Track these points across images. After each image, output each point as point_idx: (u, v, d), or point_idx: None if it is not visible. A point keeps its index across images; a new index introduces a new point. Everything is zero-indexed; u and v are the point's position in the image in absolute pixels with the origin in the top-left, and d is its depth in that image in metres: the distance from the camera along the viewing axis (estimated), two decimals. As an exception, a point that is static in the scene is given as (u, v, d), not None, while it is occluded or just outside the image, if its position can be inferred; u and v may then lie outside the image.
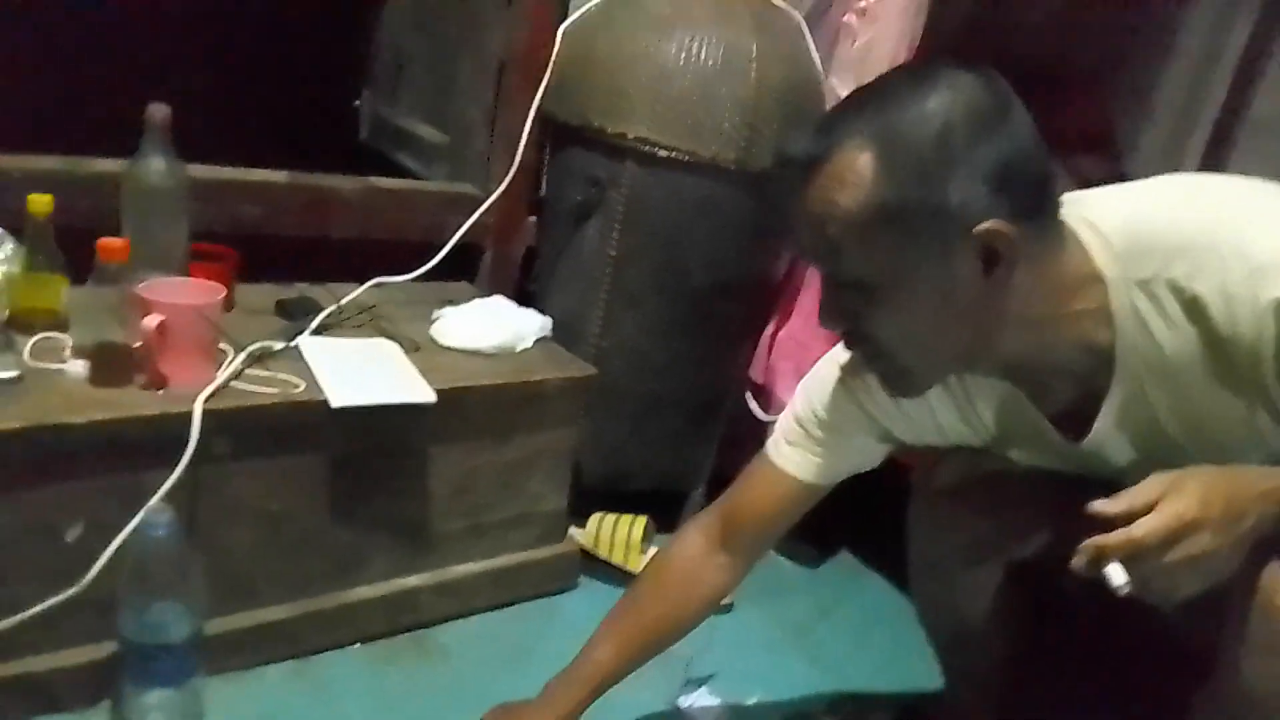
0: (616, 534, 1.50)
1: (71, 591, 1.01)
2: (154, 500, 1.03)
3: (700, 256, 1.44)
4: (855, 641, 1.52)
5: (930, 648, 1.22)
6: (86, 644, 1.08)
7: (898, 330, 0.81)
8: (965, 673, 1.18)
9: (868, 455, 1.04)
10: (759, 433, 1.63)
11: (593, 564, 1.51)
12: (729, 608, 1.51)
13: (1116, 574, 0.71)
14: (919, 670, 1.41)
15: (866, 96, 0.81)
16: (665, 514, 1.69)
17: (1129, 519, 0.72)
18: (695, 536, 1.08)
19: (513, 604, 1.43)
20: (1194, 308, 0.76)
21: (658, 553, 1.14)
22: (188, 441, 1.04)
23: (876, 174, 0.76)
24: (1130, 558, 0.71)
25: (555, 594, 1.47)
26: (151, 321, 1.04)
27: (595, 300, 1.47)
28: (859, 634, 1.54)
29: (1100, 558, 0.72)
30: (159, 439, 1.04)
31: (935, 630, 1.18)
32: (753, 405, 1.62)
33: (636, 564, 1.49)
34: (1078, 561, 0.73)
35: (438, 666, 1.29)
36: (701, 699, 1.30)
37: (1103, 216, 0.81)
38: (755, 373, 1.62)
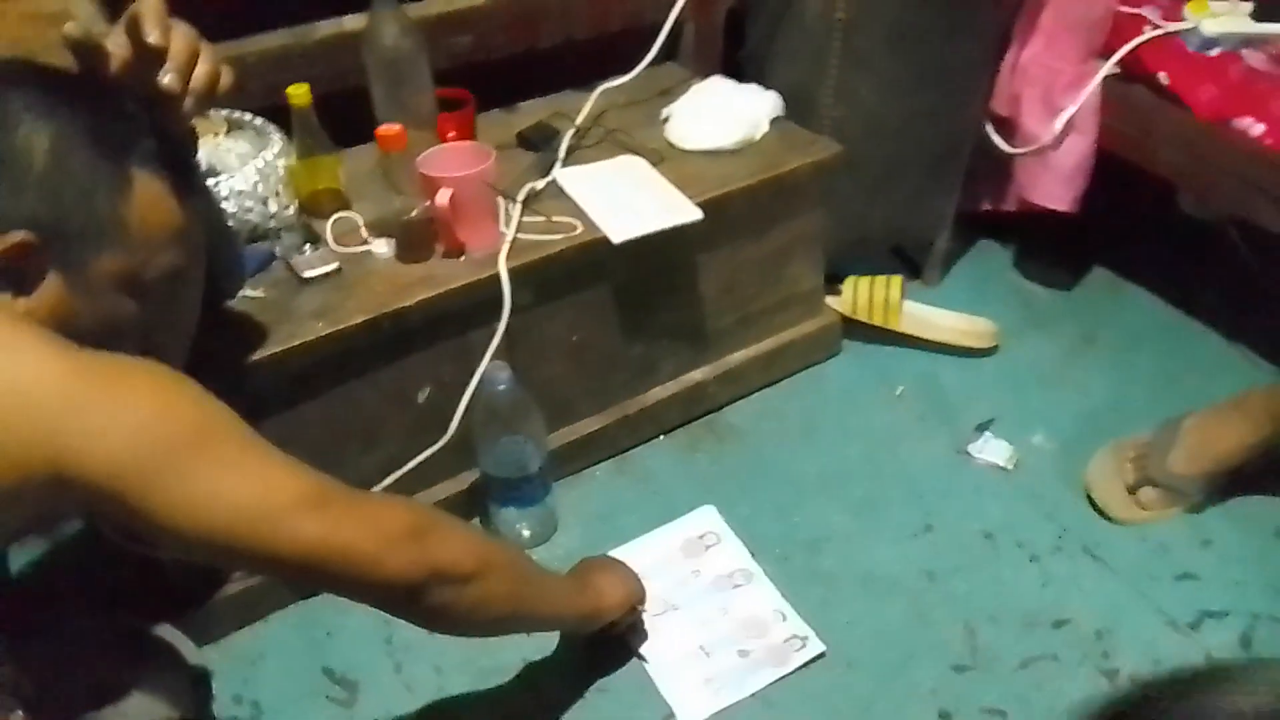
0: (874, 297, 1.53)
1: (441, 443, 1.16)
2: (486, 358, 1.14)
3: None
4: (1127, 365, 1.53)
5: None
6: (446, 480, 1.26)
7: None
8: None
9: None
10: (1003, 166, 1.58)
11: (852, 326, 1.56)
12: (994, 350, 1.55)
13: None
14: (1192, 387, 1.42)
15: None
16: (912, 264, 1.71)
17: None
18: None
19: (786, 379, 1.51)
20: None
21: None
22: (501, 300, 1.13)
23: None
24: None
25: (822, 362, 1.55)
26: (444, 196, 1.10)
27: (825, 69, 1.40)
28: (1129, 356, 1.55)
29: None
30: (474, 302, 1.14)
31: None
32: (996, 139, 1.55)
33: (898, 322, 1.53)
34: None
35: (735, 444, 1.42)
36: (989, 444, 1.37)
37: None
38: (997, 104, 1.53)
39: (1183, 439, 1.24)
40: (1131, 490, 1.27)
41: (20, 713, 0.70)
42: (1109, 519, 1.27)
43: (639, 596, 1.11)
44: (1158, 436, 1.26)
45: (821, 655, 1.13)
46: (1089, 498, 1.29)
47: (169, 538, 0.67)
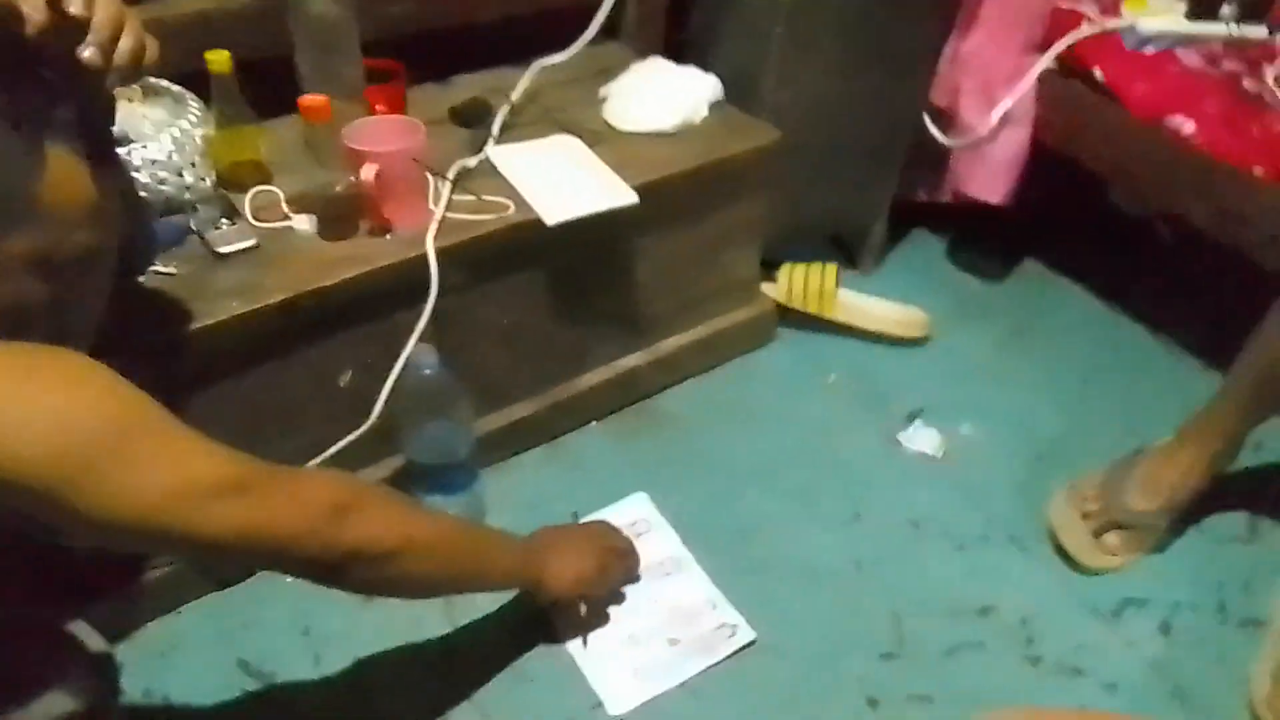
0: (809, 285, 1.52)
1: (364, 428, 1.13)
2: (412, 341, 1.10)
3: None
4: (1055, 357, 1.55)
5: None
6: (370, 466, 1.22)
7: None
8: None
9: None
10: (940, 158, 1.58)
11: (787, 314, 1.55)
12: (926, 339, 1.55)
13: None
14: (1120, 378, 1.45)
15: None
16: (847, 252, 1.71)
17: None
18: None
19: (721, 365, 1.50)
20: None
21: None
22: (429, 282, 1.10)
23: None
24: None
25: (757, 349, 1.54)
26: (369, 172, 1.06)
27: (768, 52, 1.38)
28: (1059, 349, 1.57)
29: None
30: (401, 283, 1.10)
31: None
32: (933, 130, 1.55)
33: (833, 310, 1.53)
34: None
35: (668, 431, 1.40)
36: (919, 433, 1.38)
37: None
38: (936, 96, 1.53)
39: (1136, 476, 1.22)
40: (1096, 535, 1.23)
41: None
42: (1082, 568, 1.22)
43: (590, 583, 1.09)
44: (1110, 478, 1.24)
45: (751, 644, 1.12)
46: (1056, 547, 1.24)
47: (92, 531, 0.66)
